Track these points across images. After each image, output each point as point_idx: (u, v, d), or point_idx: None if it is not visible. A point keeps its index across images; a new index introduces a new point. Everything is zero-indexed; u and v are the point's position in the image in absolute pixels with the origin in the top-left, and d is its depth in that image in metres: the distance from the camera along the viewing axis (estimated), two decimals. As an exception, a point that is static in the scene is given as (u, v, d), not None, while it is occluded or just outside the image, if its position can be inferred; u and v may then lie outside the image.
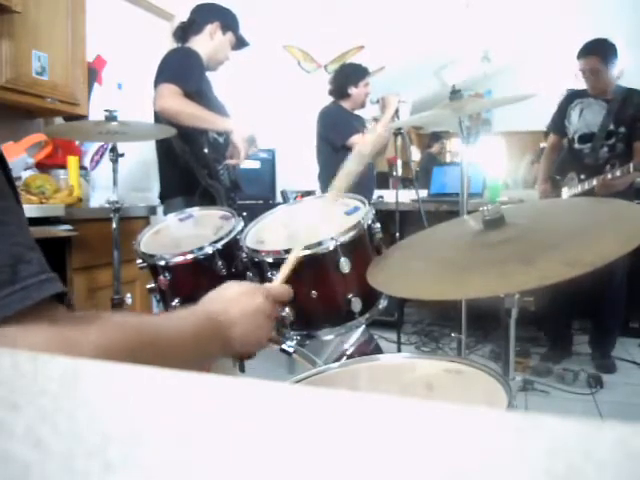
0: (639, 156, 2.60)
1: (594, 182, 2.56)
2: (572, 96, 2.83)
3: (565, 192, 2.79)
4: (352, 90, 2.99)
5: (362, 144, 2.68)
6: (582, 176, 2.68)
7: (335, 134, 2.92)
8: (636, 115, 2.61)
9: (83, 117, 2.48)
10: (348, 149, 2.89)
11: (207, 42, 2.14)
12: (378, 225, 1.15)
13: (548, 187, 2.86)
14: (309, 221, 1.30)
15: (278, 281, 0.87)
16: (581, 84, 2.79)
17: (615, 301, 2.75)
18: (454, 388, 0.82)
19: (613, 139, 2.65)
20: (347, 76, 3.03)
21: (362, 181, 2.93)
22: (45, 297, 0.47)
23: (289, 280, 0.91)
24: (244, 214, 1.36)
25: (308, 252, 1.03)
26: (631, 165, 2.40)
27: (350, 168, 1.01)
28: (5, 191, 0.50)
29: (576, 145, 2.76)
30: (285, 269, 0.90)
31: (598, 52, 2.60)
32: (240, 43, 2.25)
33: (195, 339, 0.65)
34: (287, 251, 1.06)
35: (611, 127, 2.65)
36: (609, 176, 2.49)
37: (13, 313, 0.45)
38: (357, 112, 3.10)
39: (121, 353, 0.51)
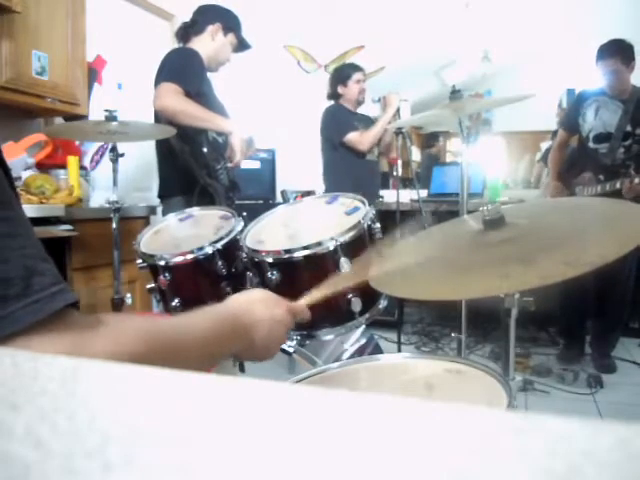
0: None
1: (617, 184, 2.51)
2: (587, 94, 2.77)
3: (579, 191, 2.74)
4: (341, 89, 3.04)
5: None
6: (601, 177, 2.63)
7: (332, 131, 2.95)
8: None
9: (83, 117, 2.48)
10: (346, 147, 2.90)
11: (208, 43, 2.15)
12: (378, 225, 1.15)
13: (560, 185, 2.82)
14: (309, 221, 1.30)
15: (304, 301, 0.86)
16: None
17: (620, 301, 2.75)
18: (454, 388, 0.82)
19: (630, 140, 2.62)
20: (334, 77, 3.12)
21: (368, 181, 2.94)
22: (58, 309, 0.47)
23: (289, 280, 0.91)
24: (244, 214, 1.36)
25: (308, 252, 1.03)
26: None
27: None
28: (12, 200, 0.49)
29: (591, 144, 2.71)
30: (317, 295, 0.88)
31: (618, 53, 2.56)
32: (242, 45, 2.25)
33: (216, 335, 0.66)
34: (287, 251, 1.06)
35: (628, 128, 2.61)
36: (636, 180, 2.44)
37: (26, 326, 0.45)
38: (363, 112, 3.13)
39: (138, 362, 0.51)
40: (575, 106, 2.83)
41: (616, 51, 2.58)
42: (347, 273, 0.94)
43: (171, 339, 0.59)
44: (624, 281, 2.70)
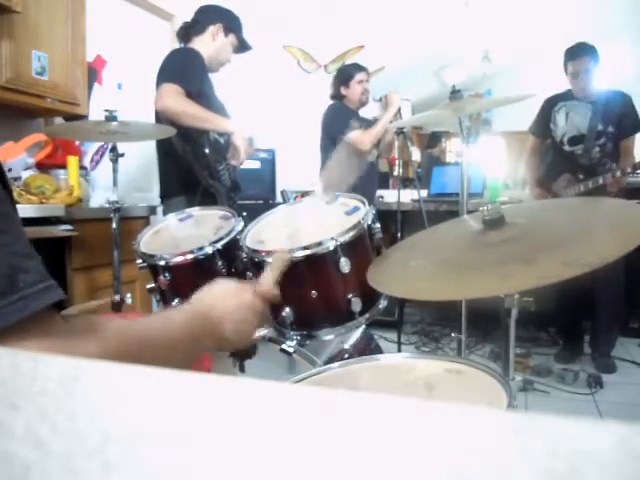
0: (628, 154, 2.68)
1: (600, 180, 2.57)
2: (555, 99, 2.86)
3: (563, 192, 2.79)
4: (344, 91, 3.03)
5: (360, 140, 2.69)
6: (580, 176, 2.70)
7: (334, 128, 2.94)
8: (621, 114, 2.67)
9: (83, 117, 2.48)
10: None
11: (209, 43, 2.15)
12: (378, 225, 1.15)
13: (541, 191, 2.86)
14: (309, 221, 1.30)
15: (267, 281, 0.87)
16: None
17: (613, 300, 2.75)
18: (454, 388, 0.82)
19: (603, 139, 2.70)
20: (337, 78, 3.10)
21: (365, 181, 2.94)
22: (44, 307, 0.47)
23: (289, 280, 0.91)
24: (244, 214, 1.36)
25: (308, 252, 1.03)
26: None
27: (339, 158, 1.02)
28: (2, 197, 0.49)
29: (566, 147, 2.78)
30: (275, 271, 0.89)
31: (588, 53, 2.66)
32: (242, 47, 2.26)
33: (186, 337, 0.67)
34: (287, 251, 1.06)
35: (600, 127, 2.69)
36: (618, 173, 2.51)
37: (12, 324, 0.44)
38: (365, 115, 3.12)
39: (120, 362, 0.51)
40: (544, 112, 2.89)
41: (586, 51, 2.67)
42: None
43: (149, 346, 0.60)
44: (620, 280, 2.71)
